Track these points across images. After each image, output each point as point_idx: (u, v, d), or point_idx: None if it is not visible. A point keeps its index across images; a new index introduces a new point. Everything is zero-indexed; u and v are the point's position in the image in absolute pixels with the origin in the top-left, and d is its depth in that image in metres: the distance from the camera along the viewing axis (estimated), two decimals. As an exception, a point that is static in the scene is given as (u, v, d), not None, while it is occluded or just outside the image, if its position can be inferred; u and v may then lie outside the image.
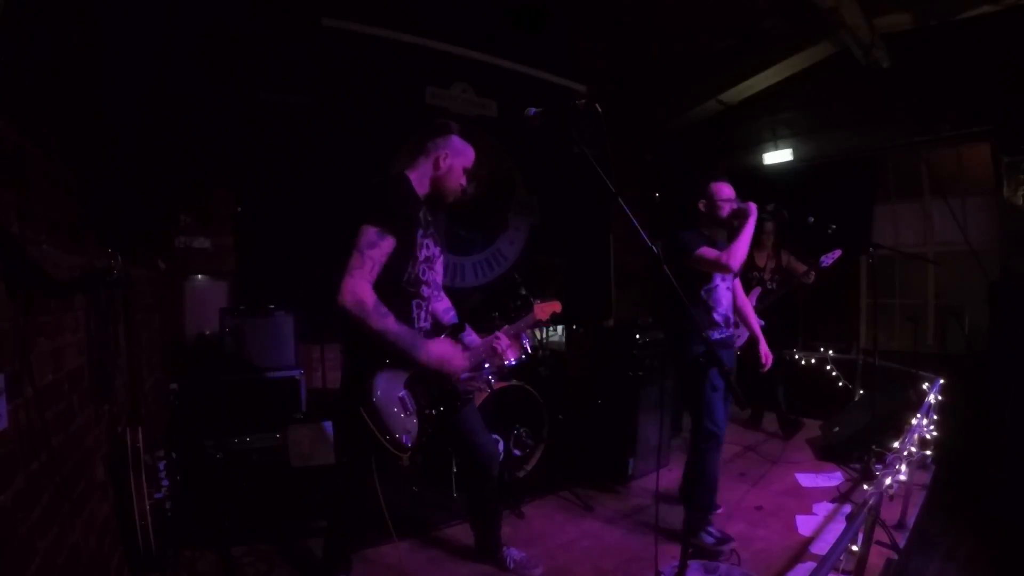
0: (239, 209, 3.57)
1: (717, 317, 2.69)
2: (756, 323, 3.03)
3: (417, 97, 4.25)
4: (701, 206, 2.71)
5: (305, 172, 3.70)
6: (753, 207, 2.61)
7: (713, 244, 2.65)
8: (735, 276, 2.79)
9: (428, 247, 2.12)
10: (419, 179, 2.11)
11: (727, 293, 2.76)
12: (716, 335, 2.70)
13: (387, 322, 1.89)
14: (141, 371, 2.23)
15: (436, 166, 2.10)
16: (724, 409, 2.64)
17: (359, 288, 1.86)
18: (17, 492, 1.25)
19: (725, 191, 2.69)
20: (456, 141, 2.13)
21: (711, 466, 2.66)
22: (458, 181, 2.14)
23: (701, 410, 2.58)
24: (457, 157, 2.12)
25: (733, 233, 2.62)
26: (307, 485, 2.78)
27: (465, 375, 2.25)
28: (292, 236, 3.62)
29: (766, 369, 2.95)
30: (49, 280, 1.49)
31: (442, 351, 2.02)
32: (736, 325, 4.19)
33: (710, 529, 2.63)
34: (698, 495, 2.64)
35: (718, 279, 2.70)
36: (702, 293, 2.66)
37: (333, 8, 3.81)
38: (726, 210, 2.65)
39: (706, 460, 2.63)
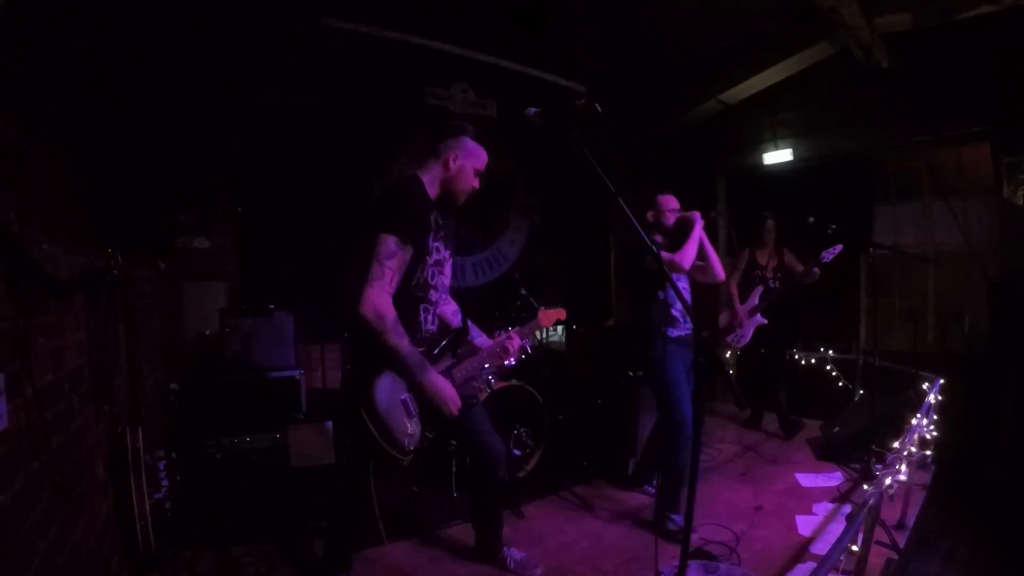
0: (239, 209, 3.57)
1: (676, 312, 2.91)
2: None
3: (417, 97, 4.25)
4: (650, 216, 2.96)
5: (305, 172, 3.70)
6: (697, 215, 2.87)
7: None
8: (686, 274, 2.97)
9: (439, 250, 2.12)
10: (431, 181, 2.10)
11: (684, 291, 2.96)
12: (676, 332, 2.91)
13: (402, 342, 1.91)
14: (141, 371, 2.23)
15: (446, 167, 2.09)
16: (690, 403, 2.82)
17: (380, 301, 1.87)
18: (17, 492, 1.25)
19: (671, 203, 2.96)
20: (468, 143, 2.12)
21: (681, 457, 2.77)
22: (469, 183, 2.13)
23: (670, 403, 2.80)
24: (468, 159, 2.11)
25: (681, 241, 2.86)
26: (307, 485, 2.78)
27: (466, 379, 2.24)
28: (292, 236, 3.62)
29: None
30: (49, 280, 1.49)
31: (442, 389, 2.00)
32: (741, 325, 4.24)
33: (675, 517, 2.76)
34: (665, 483, 2.85)
35: (676, 279, 2.90)
36: (659, 293, 2.88)
37: (333, 8, 3.81)
38: (671, 219, 2.93)
39: (677, 451, 2.77)
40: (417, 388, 2.00)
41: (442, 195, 2.12)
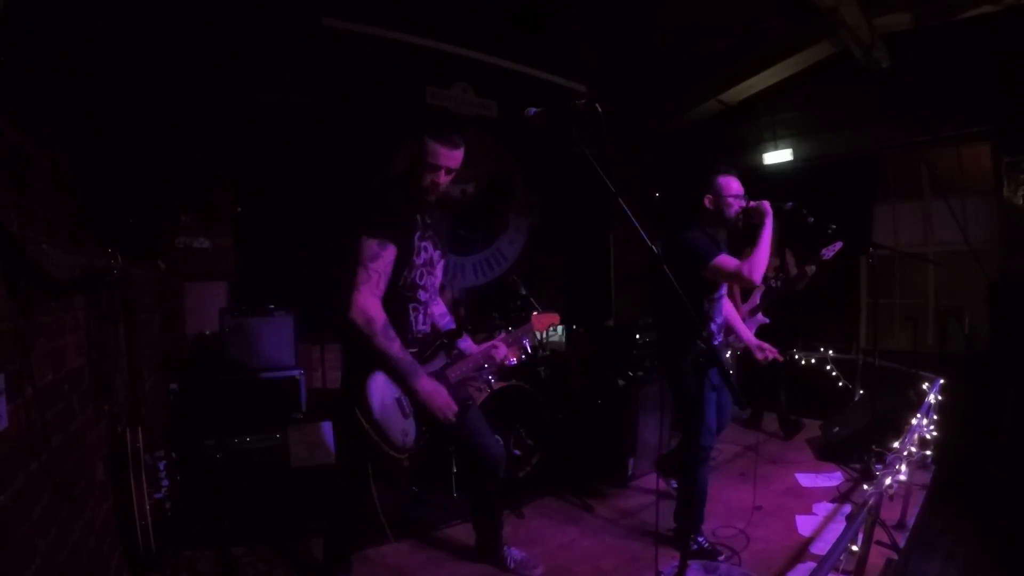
0: (239, 209, 3.57)
1: (713, 327, 2.55)
2: (746, 332, 2.85)
3: (417, 97, 4.25)
4: (707, 202, 2.49)
5: (305, 172, 3.70)
6: (768, 206, 2.39)
7: (717, 247, 2.47)
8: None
9: (427, 250, 2.11)
10: (405, 181, 2.09)
11: (725, 303, 2.67)
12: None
13: (393, 346, 1.92)
14: (141, 371, 2.23)
15: (405, 165, 2.08)
16: (714, 420, 2.58)
17: (369, 306, 1.88)
18: (17, 492, 1.25)
19: (734, 186, 2.47)
20: (424, 139, 1.99)
21: (701, 479, 2.53)
22: (426, 178, 2.01)
23: (699, 424, 2.43)
24: (420, 153, 2.00)
25: (749, 234, 2.41)
26: (307, 485, 2.78)
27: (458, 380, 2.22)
28: (292, 236, 3.61)
29: (771, 359, 2.70)
30: (49, 280, 1.49)
31: (434, 395, 1.99)
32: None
33: (699, 539, 2.56)
34: (686, 503, 2.56)
35: (723, 289, 2.57)
36: (704, 303, 2.49)
37: (333, 8, 3.81)
38: (734, 207, 2.45)
39: (695, 473, 2.49)
40: (410, 393, 2.00)
41: (412, 193, 2.06)
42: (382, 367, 1.96)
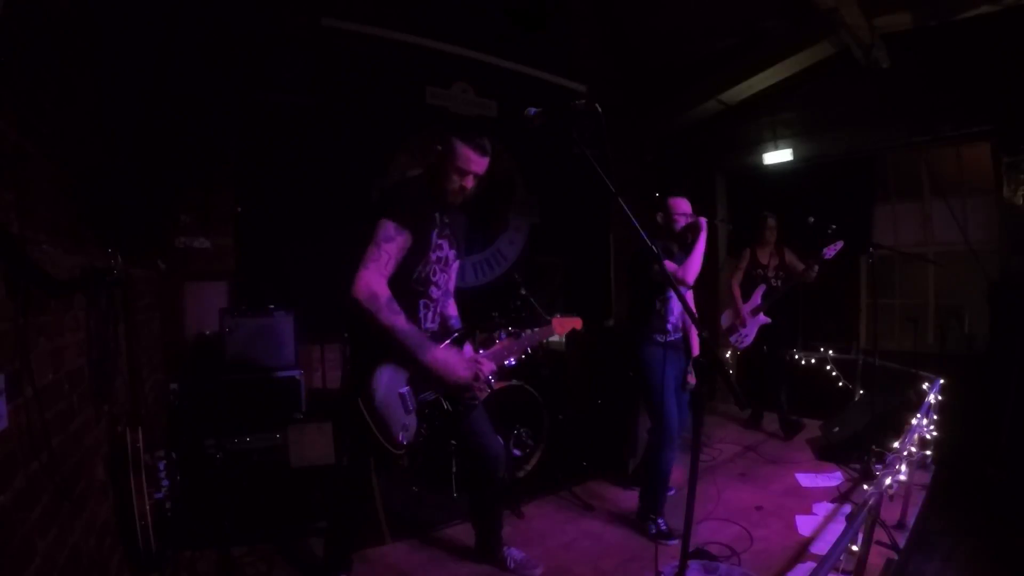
0: (239, 209, 3.57)
1: (668, 326, 2.89)
2: (694, 331, 3.03)
3: (417, 97, 4.25)
4: (659, 218, 2.92)
5: (305, 172, 3.70)
6: (703, 221, 2.79)
7: (671, 257, 2.84)
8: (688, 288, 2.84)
9: (443, 248, 2.11)
10: (427, 179, 2.11)
11: (678, 303, 2.89)
12: (664, 339, 2.87)
13: (398, 320, 1.88)
14: (141, 371, 2.23)
15: (429, 163, 2.10)
16: (675, 405, 2.82)
17: (374, 281, 1.86)
18: (17, 492, 1.25)
19: (683, 206, 2.89)
20: (454, 141, 2.03)
21: (665, 459, 2.77)
22: (450, 181, 2.05)
23: (653, 403, 2.82)
24: (447, 157, 2.03)
25: (688, 248, 2.80)
26: (307, 485, 2.78)
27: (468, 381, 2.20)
28: (292, 236, 3.61)
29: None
30: (49, 280, 1.49)
31: (446, 358, 1.98)
32: (744, 324, 4.22)
33: (659, 520, 2.78)
34: (649, 485, 2.85)
35: (671, 290, 2.80)
36: (656, 303, 2.86)
37: (333, 8, 3.81)
38: (680, 223, 2.87)
39: (661, 452, 2.77)
40: (422, 369, 1.95)
41: (434, 192, 2.09)
42: (389, 355, 1.94)
